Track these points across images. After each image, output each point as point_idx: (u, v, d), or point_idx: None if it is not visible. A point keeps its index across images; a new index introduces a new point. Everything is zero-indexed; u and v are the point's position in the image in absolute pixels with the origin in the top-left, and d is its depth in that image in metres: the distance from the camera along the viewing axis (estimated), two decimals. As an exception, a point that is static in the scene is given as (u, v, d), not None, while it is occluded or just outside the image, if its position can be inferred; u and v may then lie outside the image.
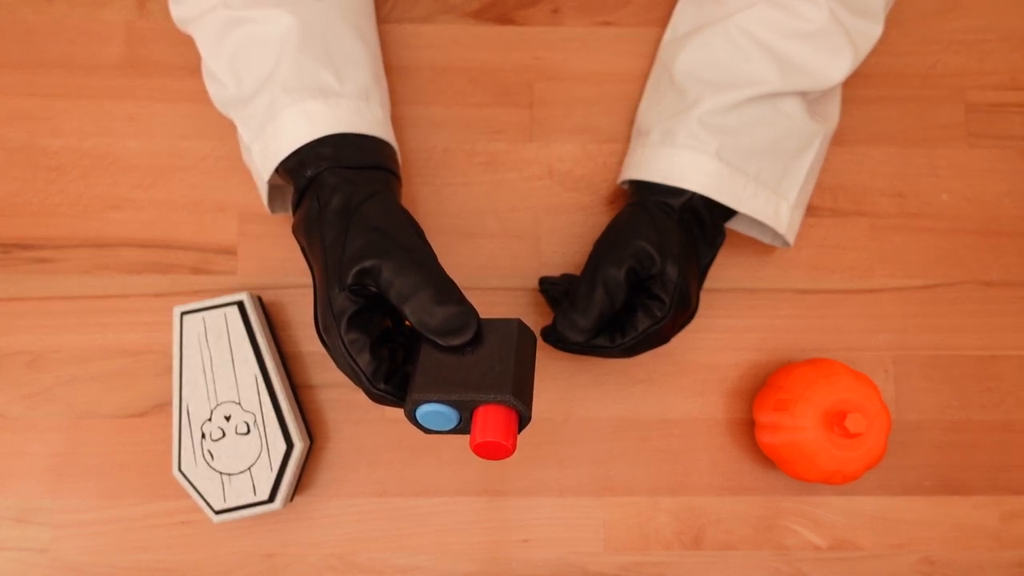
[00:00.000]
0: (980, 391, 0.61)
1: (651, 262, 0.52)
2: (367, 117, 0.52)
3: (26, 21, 0.62)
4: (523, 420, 0.43)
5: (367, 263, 0.45)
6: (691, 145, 0.54)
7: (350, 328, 0.45)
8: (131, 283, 0.60)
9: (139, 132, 0.61)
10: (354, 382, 0.46)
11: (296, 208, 0.51)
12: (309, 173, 0.50)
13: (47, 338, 0.59)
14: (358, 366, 0.45)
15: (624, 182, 0.59)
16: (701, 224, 0.55)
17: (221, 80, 0.53)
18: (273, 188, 0.55)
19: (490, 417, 0.42)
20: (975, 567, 0.60)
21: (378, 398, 0.45)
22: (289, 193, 0.57)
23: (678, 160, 0.54)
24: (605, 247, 0.54)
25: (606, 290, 0.52)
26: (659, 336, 0.53)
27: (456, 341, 0.44)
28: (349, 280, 0.45)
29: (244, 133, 0.53)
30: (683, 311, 0.53)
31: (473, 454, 0.46)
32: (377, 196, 0.48)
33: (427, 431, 0.45)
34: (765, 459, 0.60)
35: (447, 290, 0.44)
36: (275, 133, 0.51)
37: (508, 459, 0.59)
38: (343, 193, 0.48)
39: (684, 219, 0.54)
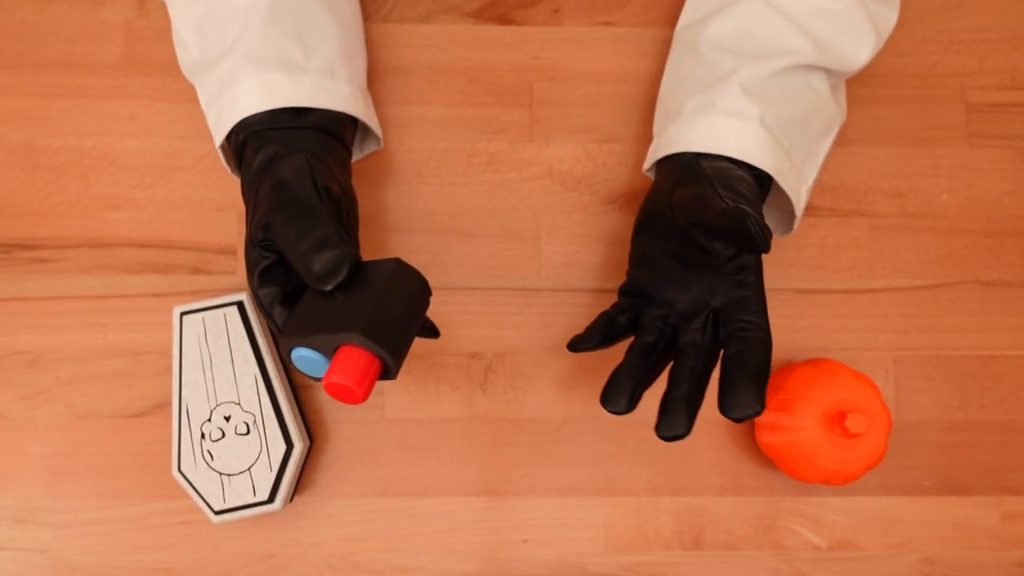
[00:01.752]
0: (980, 391, 0.61)
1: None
2: (330, 92, 0.52)
3: (26, 21, 0.62)
4: (387, 369, 0.41)
5: (266, 218, 0.46)
6: (734, 111, 0.51)
7: (262, 283, 0.46)
8: (131, 283, 0.60)
9: (139, 132, 0.61)
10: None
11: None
12: (241, 138, 0.51)
13: (47, 338, 0.59)
14: (271, 318, 0.46)
15: (649, 170, 0.57)
16: None
17: (187, 45, 0.53)
18: None
19: (347, 358, 0.40)
20: (975, 567, 0.60)
21: None
22: None
23: (719, 126, 0.52)
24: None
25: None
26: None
27: (327, 284, 0.43)
28: (259, 236, 0.46)
29: (202, 97, 0.53)
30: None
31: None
32: (293, 155, 0.48)
33: (317, 380, 0.44)
34: (765, 459, 0.60)
35: (328, 237, 0.44)
36: (232, 99, 0.51)
37: (506, 457, 0.59)
38: (264, 153, 0.49)
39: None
